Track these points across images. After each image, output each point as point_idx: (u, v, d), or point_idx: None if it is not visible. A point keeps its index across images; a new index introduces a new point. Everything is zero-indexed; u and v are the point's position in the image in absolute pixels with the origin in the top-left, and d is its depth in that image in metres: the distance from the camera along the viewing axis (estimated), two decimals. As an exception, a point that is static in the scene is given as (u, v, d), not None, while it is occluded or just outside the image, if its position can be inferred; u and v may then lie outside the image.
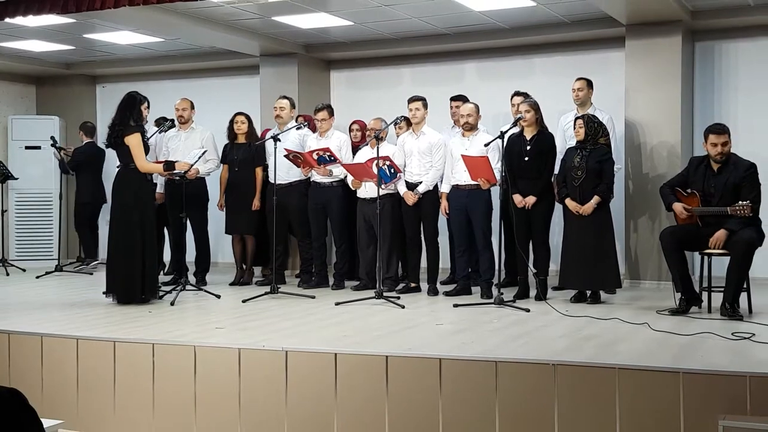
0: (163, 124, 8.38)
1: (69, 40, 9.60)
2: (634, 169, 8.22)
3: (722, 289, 6.10)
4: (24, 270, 9.47)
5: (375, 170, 7.22)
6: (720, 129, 6.19)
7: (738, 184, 6.08)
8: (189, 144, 8.17)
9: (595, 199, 6.70)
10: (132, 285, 6.85)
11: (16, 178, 9.88)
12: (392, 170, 7.36)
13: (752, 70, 8.31)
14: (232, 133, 8.32)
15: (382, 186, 7.24)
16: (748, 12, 7.94)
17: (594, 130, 6.80)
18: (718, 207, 6.08)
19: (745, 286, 6.12)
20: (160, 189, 8.29)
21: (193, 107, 8.40)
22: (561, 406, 4.43)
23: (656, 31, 8.05)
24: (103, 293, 6.96)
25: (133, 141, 6.84)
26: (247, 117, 8.31)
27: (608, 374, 4.40)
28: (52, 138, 9.66)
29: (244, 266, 8.38)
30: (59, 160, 9.69)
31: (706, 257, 6.35)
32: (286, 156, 7.66)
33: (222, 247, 9.07)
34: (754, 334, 5.23)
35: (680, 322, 5.80)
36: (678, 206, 6.32)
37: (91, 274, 9.16)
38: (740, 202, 5.93)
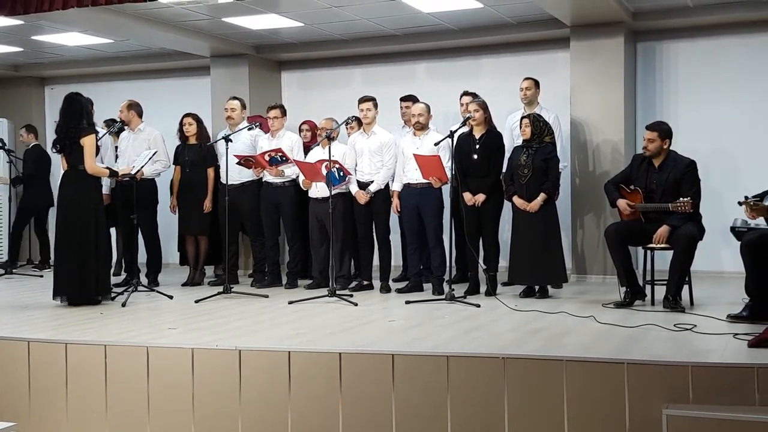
0: (112, 125, 8.28)
1: (17, 41, 9.42)
2: (579, 167, 8.33)
3: (665, 282, 6.21)
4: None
5: (324, 172, 7.22)
6: (651, 126, 6.37)
7: (679, 181, 6.20)
8: (137, 145, 8.09)
9: (542, 196, 6.77)
10: (87, 285, 6.77)
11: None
12: (341, 173, 7.35)
13: (692, 69, 8.48)
14: (182, 135, 8.24)
15: (332, 188, 7.24)
16: (687, 13, 8.10)
17: (540, 128, 6.88)
18: (660, 203, 6.19)
19: (687, 279, 6.24)
20: (105, 190, 8.15)
21: (131, 108, 8.19)
22: (511, 399, 4.47)
23: (599, 32, 8.17)
24: (53, 296, 6.84)
25: (88, 142, 6.78)
26: (196, 118, 8.23)
27: (556, 366, 4.45)
28: (1, 140, 9.47)
29: (197, 267, 8.31)
30: (9, 163, 9.47)
31: (649, 252, 6.46)
32: (238, 163, 7.63)
33: (173, 248, 8.97)
34: (695, 325, 5.33)
35: (625, 315, 5.89)
36: (622, 203, 6.42)
37: (42, 276, 8.99)
38: (681, 199, 6.05)
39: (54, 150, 7.04)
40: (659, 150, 6.28)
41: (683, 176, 6.19)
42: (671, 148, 6.36)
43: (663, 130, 6.31)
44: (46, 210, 9.80)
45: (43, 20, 8.12)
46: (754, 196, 5.51)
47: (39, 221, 9.92)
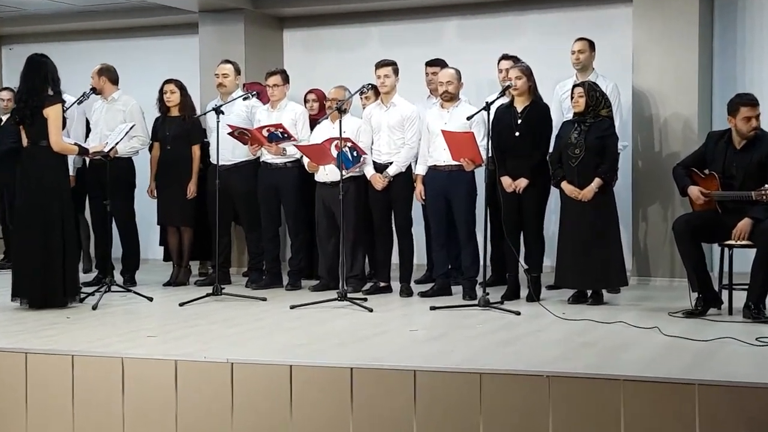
0: (85, 94, 8.33)
1: (-32, -9, 9.49)
2: (642, 147, 8.30)
3: (745, 287, 6.19)
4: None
5: (334, 153, 7.23)
6: (753, 100, 6.26)
7: (764, 164, 6.17)
8: (110, 117, 8.17)
9: (596, 181, 6.76)
10: (52, 285, 6.83)
11: None
12: (355, 153, 7.36)
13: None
14: (162, 105, 8.26)
15: (344, 171, 7.26)
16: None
17: (595, 100, 6.86)
18: (741, 191, 6.17)
19: (772, 283, 6.23)
20: (71, 171, 8.20)
21: (102, 74, 8.27)
22: (556, 424, 4.48)
23: (669, -18, 8.14)
24: (11, 298, 6.92)
25: (53, 114, 6.79)
26: (179, 85, 8.25)
27: (611, 386, 4.45)
28: None
29: (181, 263, 8.37)
30: None
31: (726, 250, 6.45)
32: (230, 133, 7.65)
33: (154, 241, 9.03)
34: (782, 339, 5.33)
35: (696, 326, 5.88)
36: (694, 190, 6.40)
37: None
38: (766, 185, 6.02)
39: (13, 121, 7.07)
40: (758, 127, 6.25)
41: (770, 158, 6.18)
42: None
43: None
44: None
45: (0, -33, 8.19)
46: None
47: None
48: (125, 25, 10.48)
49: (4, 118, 8.83)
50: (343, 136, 7.19)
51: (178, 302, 7.09)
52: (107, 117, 8.18)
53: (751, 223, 6.11)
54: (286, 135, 7.64)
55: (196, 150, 8.18)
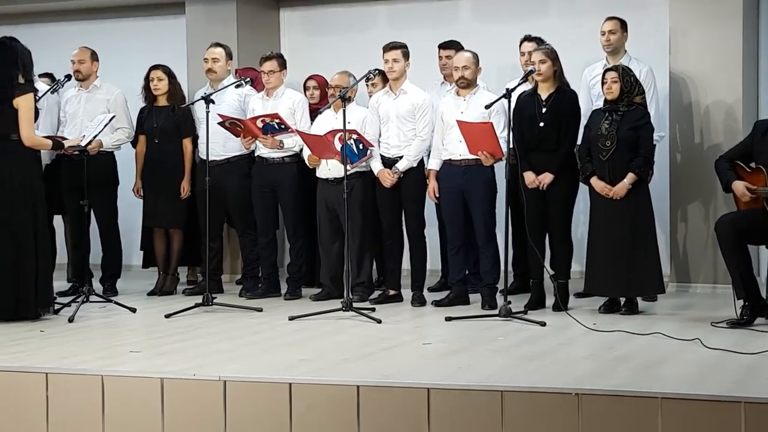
0: (57, 81, 8.35)
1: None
2: (681, 138, 8.31)
3: (797, 294, 6.20)
4: None
5: (338, 145, 7.24)
6: None
7: (819, 157, 6.18)
8: (90, 108, 8.20)
9: (630, 177, 6.77)
10: (24, 296, 6.84)
11: None
12: (361, 146, 7.37)
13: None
14: (149, 94, 8.30)
15: (349, 165, 7.26)
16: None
17: (630, 85, 6.86)
18: (792, 186, 6.18)
19: (826, 289, 6.24)
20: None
21: (94, 59, 8.37)
22: (587, 449, 4.50)
23: (709, -46, 8.14)
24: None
25: (25, 104, 6.81)
26: (168, 71, 8.31)
27: (648, 405, 4.45)
28: None
29: (168, 270, 8.38)
30: None
31: (776, 253, 6.45)
32: (220, 123, 7.66)
33: (135, 245, 9.04)
34: (838, 352, 5.32)
35: (742, 337, 5.88)
36: (739, 186, 6.40)
37: None
38: (820, 180, 6.03)
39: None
40: None
41: (823, 151, 6.18)
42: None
43: None
44: None
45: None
46: None
47: None
48: (103, 4, 10.52)
49: None
50: (348, 127, 7.20)
51: (164, 313, 7.10)
52: (87, 107, 8.21)
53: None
54: (283, 126, 7.65)
55: (187, 143, 8.23)
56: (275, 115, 7.66)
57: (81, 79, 8.32)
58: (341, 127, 7.19)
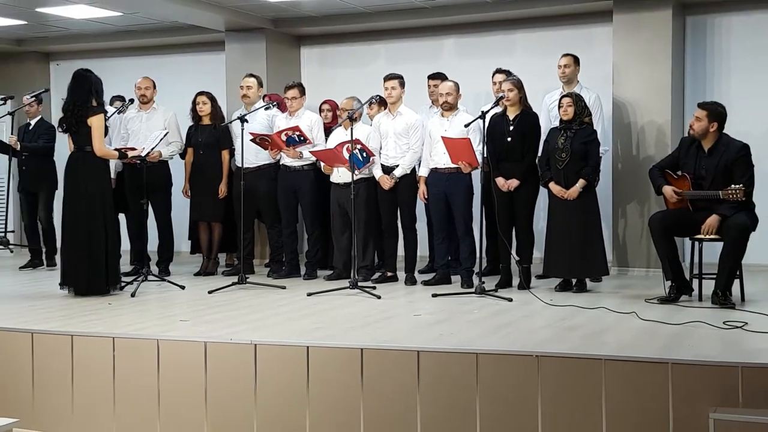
0: (123, 104, 8.35)
1: (20, 13, 9.48)
2: (622, 151, 8.29)
3: (714, 276, 6.17)
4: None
5: (346, 155, 7.22)
6: (704, 104, 6.29)
7: (730, 166, 6.13)
8: (150, 125, 8.18)
9: (581, 182, 6.75)
10: (96, 276, 6.83)
11: None
12: (364, 154, 7.35)
13: (746, 45, 8.38)
14: (195, 115, 8.30)
15: (356, 171, 7.25)
16: (742, -16, 8.02)
17: (581, 109, 6.85)
18: (710, 190, 6.14)
19: (738, 273, 6.20)
20: (113, 174, 8.21)
21: (155, 86, 8.40)
22: (545, 399, 4.47)
23: (645, 4, 8.11)
24: (60, 286, 6.93)
25: (96, 123, 6.82)
26: (210, 96, 8.29)
27: (594, 365, 4.44)
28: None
29: (210, 255, 8.37)
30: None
31: (697, 243, 6.42)
32: (252, 140, 7.65)
33: (183, 236, 9.03)
34: (746, 323, 5.30)
35: (669, 311, 5.86)
36: (668, 189, 6.38)
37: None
38: (733, 186, 5.99)
39: (60, 129, 7.10)
40: (705, 132, 6.21)
41: (735, 161, 6.13)
42: (724, 131, 6.29)
43: (714, 112, 6.20)
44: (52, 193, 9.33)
45: (48, -9, 8.20)
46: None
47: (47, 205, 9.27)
48: (159, 43, 10.49)
49: (33, 122, 8.89)
50: (353, 139, 7.18)
51: (207, 290, 7.10)
52: (148, 125, 8.20)
53: (718, 220, 6.08)
54: (302, 138, 7.63)
55: (225, 154, 8.21)
56: (296, 128, 7.64)
57: (144, 102, 8.32)
58: (349, 140, 7.17)
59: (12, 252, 9.54)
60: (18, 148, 8.55)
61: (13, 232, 10.20)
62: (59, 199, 8.99)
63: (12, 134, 8.84)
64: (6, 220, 9.82)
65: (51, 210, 8.85)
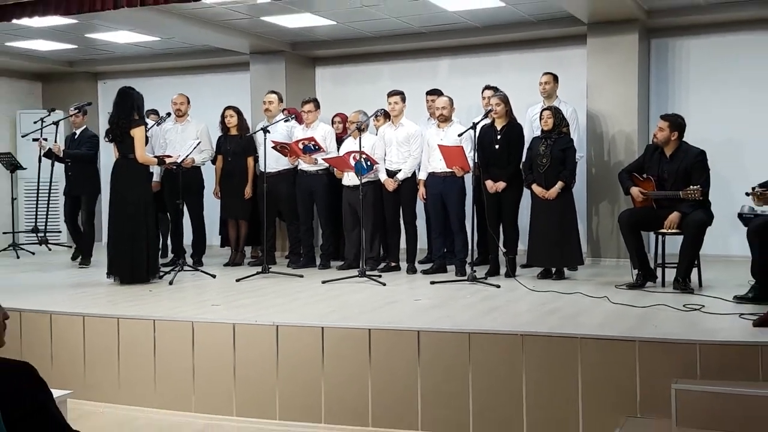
0: (161, 117, 8.36)
1: (72, 39, 9.51)
2: (595, 157, 8.28)
3: (675, 265, 6.17)
4: (33, 253, 9.40)
5: (352, 162, 7.23)
6: (666, 116, 6.31)
7: (689, 170, 6.13)
8: (185, 136, 8.17)
9: (559, 184, 6.75)
10: (138, 267, 6.85)
11: (25, 168, 9.81)
12: (368, 163, 7.35)
13: (703, 65, 8.38)
14: (224, 126, 8.30)
15: (361, 177, 7.24)
16: (699, 11, 8.00)
17: (560, 120, 6.85)
18: (671, 191, 6.14)
19: (696, 262, 6.20)
20: (156, 178, 8.24)
21: (189, 102, 8.41)
22: (528, 373, 4.49)
23: (615, 29, 8.09)
24: (107, 275, 6.95)
25: (138, 133, 6.82)
26: (236, 110, 8.29)
27: (571, 343, 4.46)
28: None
29: (238, 248, 8.38)
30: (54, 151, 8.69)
31: (660, 236, 6.42)
32: (273, 147, 7.66)
33: (214, 232, 9.04)
34: (703, 306, 5.31)
35: (637, 296, 5.87)
36: (635, 190, 6.38)
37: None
38: (691, 187, 5.99)
39: (107, 139, 7.11)
40: (667, 140, 6.21)
41: (693, 165, 6.13)
42: (683, 140, 6.29)
43: (675, 123, 6.23)
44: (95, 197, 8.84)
45: (96, 19, 8.20)
46: (760, 185, 5.49)
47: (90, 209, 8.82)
48: (193, 64, 10.50)
49: (78, 131, 8.54)
50: (362, 149, 7.19)
51: (235, 279, 7.10)
52: (183, 135, 8.20)
53: (679, 216, 6.08)
54: (317, 147, 7.63)
55: (250, 161, 8.20)
56: (311, 138, 7.64)
57: (179, 115, 8.33)
58: (356, 150, 7.19)
59: (50, 249, 9.43)
60: (61, 154, 8.39)
61: (60, 232, 10.20)
62: (101, 203, 9.08)
63: (56, 142, 8.73)
64: (45, 221, 9.64)
65: (92, 213, 8.52)
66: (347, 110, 8.44)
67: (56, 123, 8.92)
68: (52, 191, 9.56)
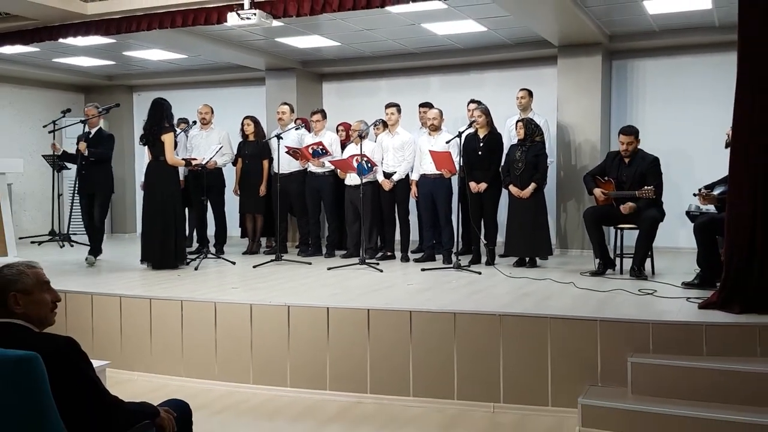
0: (188, 125, 8.35)
1: (110, 56, 9.50)
2: (564, 162, 8.29)
3: (632, 255, 6.19)
4: (75, 242, 9.35)
5: (355, 164, 7.24)
6: (628, 130, 6.29)
7: (644, 173, 6.15)
8: (209, 141, 8.15)
9: (532, 185, 6.76)
10: (168, 254, 6.84)
11: (69, 168, 9.79)
12: (369, 164, 7.35)
13: (657, 83, 8.40)
14: (243, 133, 8.29)
15: (362, 178, 7.25)
16: (654, 36, 8.02)
17: (531, 130, 6.85)
18: (629, 191, 6.16)
19: (649, 253, 6.22)
20: (181, 177, 8.16)
21: (212, 111, 8.40)
22: (505, 348, 4.51)
23: (582, 51, 8.10)
24: (141, 261, 6.96)
25: (168, 139, 6.81)
26: (254, 119, 8.27)
27: (542, 322, 4.48)
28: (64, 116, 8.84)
29: (254, 239, 8.38)
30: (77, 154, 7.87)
31: (619, 231, 6.44)
32: (286, 152, 7.66)
33: (235, 224, 9.04)
34: (656, 291, 5.33)
35: (599, 282, 5.89)
36: (597, 191, 6.40)
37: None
38: (646, 187, 6.02)
39: (141, 143, 7.11)
40: (636, 150, 6.24)
41: (648, 170, 6.15)
42: (639, 147, 6.32)
43: (636, 133, 6.26)
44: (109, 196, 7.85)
45: (132, 39, 8.19)
46: (705, 187, 5.54)
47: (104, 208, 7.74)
48: (216, 78, 10.47)
49: (93, 130, 7.80)
50: (362, 153, 7.19)
51: (252, 265, 7.10)
52: (207, 141, 8.18)
53: (634, 205, 6.09)
54: (324, 151, 7.62)
55: (265, 163, 8.17)
56: (320, 143, 7.62)
57: (204, 123, 8.31)
58: (358, 153, 7.18)
59: (72, 246, 9.12)
60: (86, 153, 7.43)
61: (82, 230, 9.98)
62: (115, 203, 8.94)
63: (55, 142, 8.15)
64: (68, 220, 9.35)
65: (105, 211, 7.58)
66: (350, 120, 8.43)
67: (83, 121, 7.90)
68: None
